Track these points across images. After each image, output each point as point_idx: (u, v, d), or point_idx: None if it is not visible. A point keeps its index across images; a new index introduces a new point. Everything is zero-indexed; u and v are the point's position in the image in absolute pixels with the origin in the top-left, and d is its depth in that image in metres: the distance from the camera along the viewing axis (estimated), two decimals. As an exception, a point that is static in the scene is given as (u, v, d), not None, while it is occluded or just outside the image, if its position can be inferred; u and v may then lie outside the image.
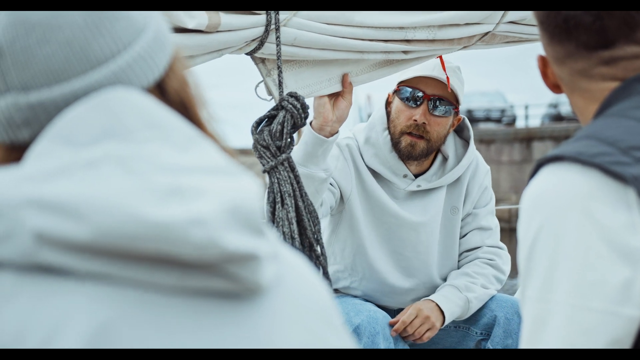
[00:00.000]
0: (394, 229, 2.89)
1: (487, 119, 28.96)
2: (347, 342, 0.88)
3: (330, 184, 2.81)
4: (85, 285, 0.75)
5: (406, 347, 2.87)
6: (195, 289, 0.77)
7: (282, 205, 2.35)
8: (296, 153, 2.54)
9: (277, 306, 0.82)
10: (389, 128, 2.87)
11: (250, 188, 0.81)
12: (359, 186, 2.88)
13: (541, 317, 1.22)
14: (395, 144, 2.83)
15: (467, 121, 2.99)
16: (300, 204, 2.36)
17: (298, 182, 2.38)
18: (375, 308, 2.83)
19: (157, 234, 0.74)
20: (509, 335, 2.83)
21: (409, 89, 2.81)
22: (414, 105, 2.80)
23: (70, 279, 0.75)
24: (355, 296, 2.98)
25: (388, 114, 2.90)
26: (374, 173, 2.89)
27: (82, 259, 0.74)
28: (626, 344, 1.20)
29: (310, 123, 2.57)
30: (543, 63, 1.46)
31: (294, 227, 2.34)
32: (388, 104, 2.91)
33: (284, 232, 2.33)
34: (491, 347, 2.87)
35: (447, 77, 2.76)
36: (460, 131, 3.00)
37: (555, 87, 1.46)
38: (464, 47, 2.61)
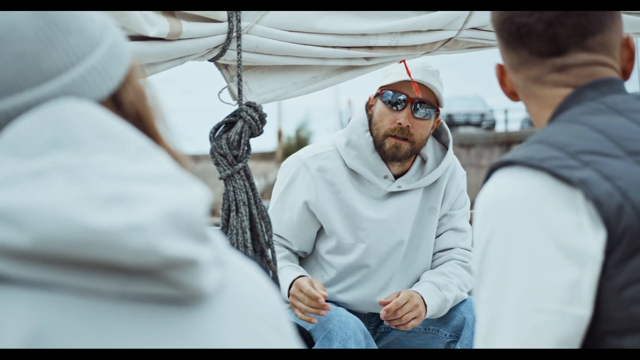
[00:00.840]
0: (369, 231, 2.92)
1: (467, 123, 29.08)
2: (294, 345, 0.88)
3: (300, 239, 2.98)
4: (24, 293, 0.75)
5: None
6: (137, 295, 0.78)
7: (237, 213, 2.39)
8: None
9: (222, 312, 0.82)
10: (371, 131, 2.90)
11: (196, 196, 0.81)
12: (333, 197, 2.91)
13: (494, 319, 1.25)
14: (380, 146, 2.86)
15: (445, 125, 3.02)
16: (254, 211, 2.40)
17: (253, 190, 2.42)
18: (346, 313, 2.84)
19: (95, 240, 0.74)
20: (478, 338, 2.85)
21: (392, 93, 2.84)
22: (397, 109, 2.83)
23: (9, 286, 0.75)
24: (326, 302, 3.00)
25: (370, 116, 2.93)
26: (355, 176, 2.92)
27: (22, 267, 0.75)
28: (575, 342, 1.23)
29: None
30: (501, 71, 1.49)
31: (247, 235, 2.39)
32: (369, 107, 2.95)
33: (237, 240, 2.37)
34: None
35: (414, 82, 2.79)
36: (438, 135, 3.04)
37: (513, 95, 1.49)
38: (427, 52, 2.64)
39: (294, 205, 2.92)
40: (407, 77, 2.80)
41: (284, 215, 2.93)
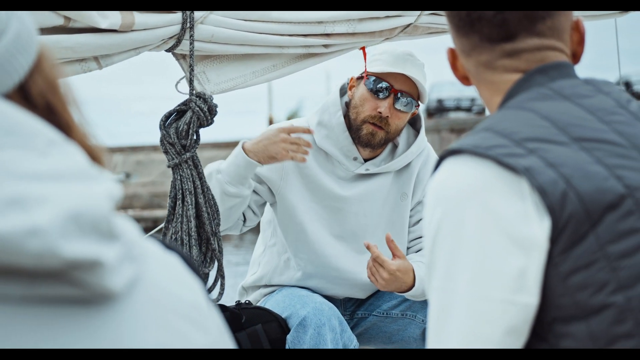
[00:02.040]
0: (335, 212, 2.92)
1: (458, 108, 29.05)
2: (217, 340, 0.86)
3: (254, 190, 2.87)
4: None
5: (353, 338, 2.88)
6: (44, 297, 0.77)
7: (183, 202, 2.45)
8: (226, 172, 2.66)
9: (135, 309, 0.81)
10: (349, 113, 2.90)
11: (104, 192, 0.79)
12: (297, 172, 2.91)
13: (444, 307, 1.25)
14: (356, 130, 2.87)
15: (419, 114, 3.03)
16: (201, 200, 2.45)
17: (201, 179, 2.47)
18: (322, 300, 2.84)
19: None
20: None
21: (378, 80, 2.83)
22: (379, 97, 2.83)
23: None
24: (301, 287, 3.00)
25: (349, 98, 2.92)
26: (323, 155, 2.91)
27: None
28: (524, 330, 1.23)
29: (243, 145, 2.67)
30: (452, 55, 1.48)
31: (192, 224, 2.44)
32: (349, 87, 2.93)
33: (181, 229, 2.42)
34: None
35: (365, 68, 2.78)
36: (412, 122, 3.04)
37: (465, 79, 1.48)
38: (386, 39, 2.63)
39: None
40: (394, 69, 2.78)
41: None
